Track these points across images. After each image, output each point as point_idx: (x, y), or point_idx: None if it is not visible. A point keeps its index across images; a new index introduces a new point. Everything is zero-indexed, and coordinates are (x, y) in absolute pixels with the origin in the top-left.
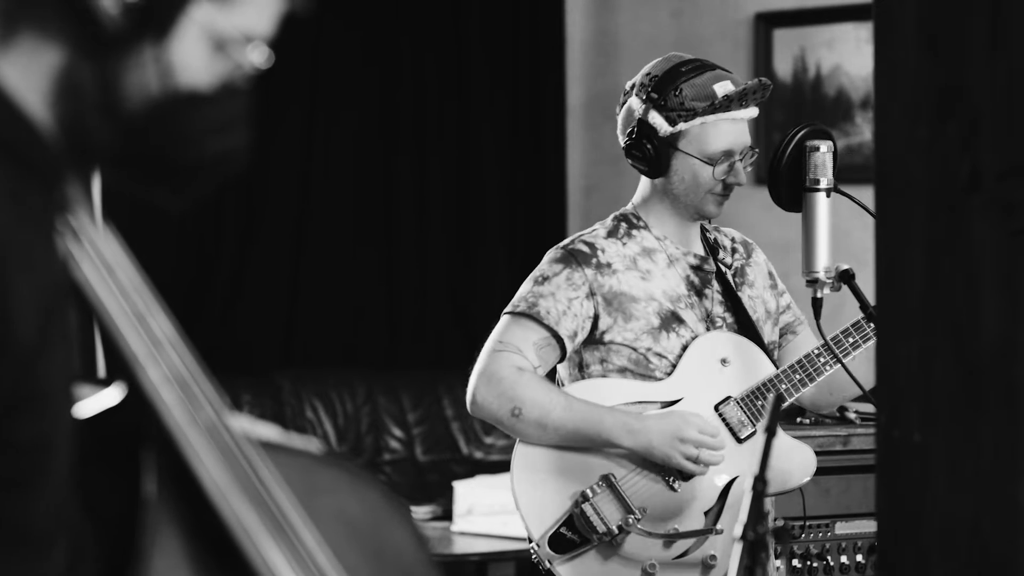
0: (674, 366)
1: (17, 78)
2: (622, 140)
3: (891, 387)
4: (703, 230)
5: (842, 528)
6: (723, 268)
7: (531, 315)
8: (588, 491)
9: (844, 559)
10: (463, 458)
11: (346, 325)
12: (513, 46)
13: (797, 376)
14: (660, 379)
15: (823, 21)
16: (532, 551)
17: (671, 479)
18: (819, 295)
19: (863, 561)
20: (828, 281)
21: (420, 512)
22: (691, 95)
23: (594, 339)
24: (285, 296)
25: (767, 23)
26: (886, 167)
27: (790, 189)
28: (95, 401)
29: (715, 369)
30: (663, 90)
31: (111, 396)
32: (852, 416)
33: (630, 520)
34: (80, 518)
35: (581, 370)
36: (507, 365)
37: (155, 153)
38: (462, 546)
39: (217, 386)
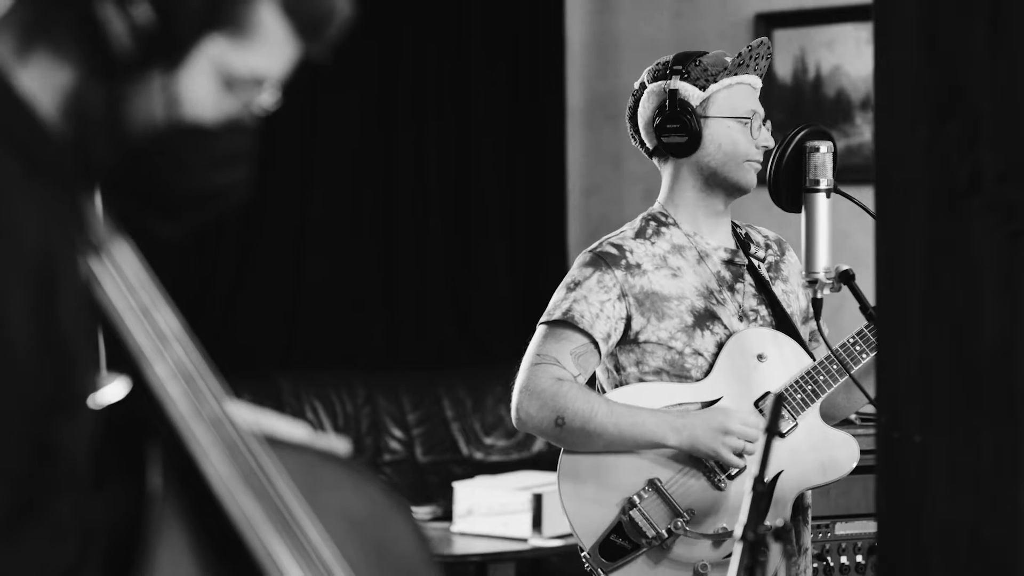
0: (711, 365)
1: (35, 88)
2: (650, 128)
3: (891, 388)
4: (734, 225)
5: (842, 528)
6: (755, 261)
7: (566, 321)
8: (635, 497)
9: (844, 559)
10: (463, 459)
11: (347, 326)
12: (513, 47)
13: (835, 367)
14: (698, 379)
15: (823, 22)
16: (584, 560)
17: (717, 479)
18: (819, 296)
19: (863, 561)
20: (828, 282)
21: (420, 513)
22: (710, 63)
23: (628, 340)
24: (285, 297)
25: (767, 24)
26: (886, 167)
27: (790, 190)
28: (101, 396)
29: (752, 366)
30: (683, 64)
31: (117, 390)
32: (852, 417)
33: (679, 523)
34: (92, 510)
35: (618, 372)
36: (546, 377)
37: (154, 180)
38: (462, 547)
39: (222, 381)
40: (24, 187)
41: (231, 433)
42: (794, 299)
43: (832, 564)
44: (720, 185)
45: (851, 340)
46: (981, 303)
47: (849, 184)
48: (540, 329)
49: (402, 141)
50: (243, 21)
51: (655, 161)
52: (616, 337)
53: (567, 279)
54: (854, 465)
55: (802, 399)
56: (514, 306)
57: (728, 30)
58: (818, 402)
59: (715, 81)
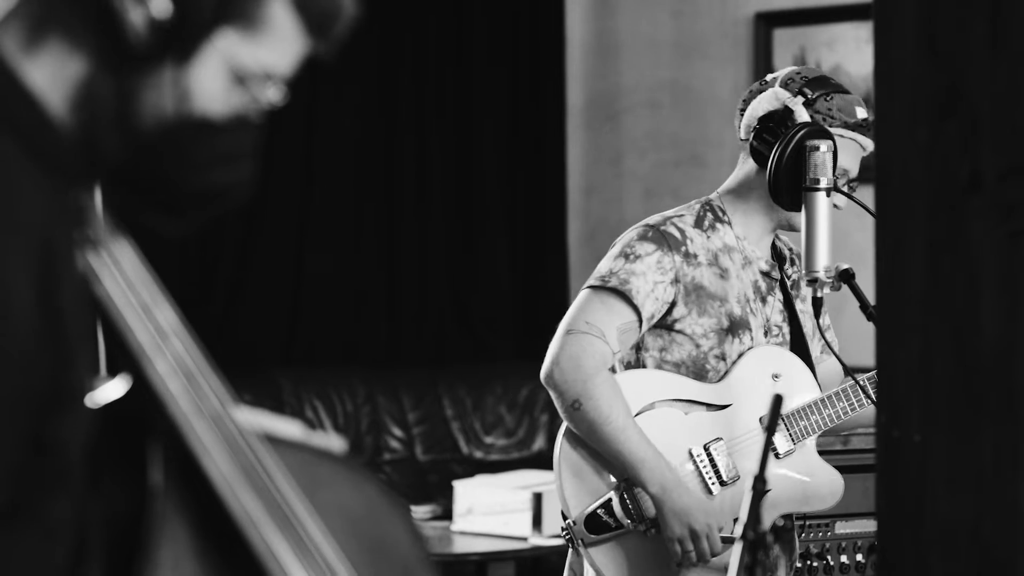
0: (727, 372)
1: (44, 81)
2: (752, 123)
3: (891, 387)
4: (774, 239)
5: (842, 528)
6: (786, 278)
7: (622, 292)
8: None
9: (844, 559)
10: (463, 458)
11: (347, 325)
12: (513, 46)
13: (840, 405)
14: (713, 382)
15: (823, 21)
16: (564, 528)
17: (710, 482)
18: (819, 295)
19: (863, 561)
20: (828, 281)
21: (420, 512)
22: (839, 105)
23: (664, 324)
24: (286, 296)
25: (767, 23)
26: (886, 167)
27: (790, 188)
28: (101, 393)
29: (766, 383)
30: (814, 90)
31: (116, 388)
32: None
33: None
34: (91, 508)
35: (637, 351)
36: (593, 354)
37: (160, 174)
38: (462, 546)
39: (222, 378)
40: (30, 177)
41: (232, 430)
42: (808, 319)
43: (832, 563)
44: (777, 211)
45: (863, 381)
46: (981, 303)
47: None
48: (588, 292)
49: (403, 139)
50: (254, 15)
51: (741, 151)
52: (656, 319)
53: (623, 248)
54: (835, 502)
55: (805, 427)
56: (514, 305)
57: (728, 29)
58: (818, 434)
59: (831, 126)
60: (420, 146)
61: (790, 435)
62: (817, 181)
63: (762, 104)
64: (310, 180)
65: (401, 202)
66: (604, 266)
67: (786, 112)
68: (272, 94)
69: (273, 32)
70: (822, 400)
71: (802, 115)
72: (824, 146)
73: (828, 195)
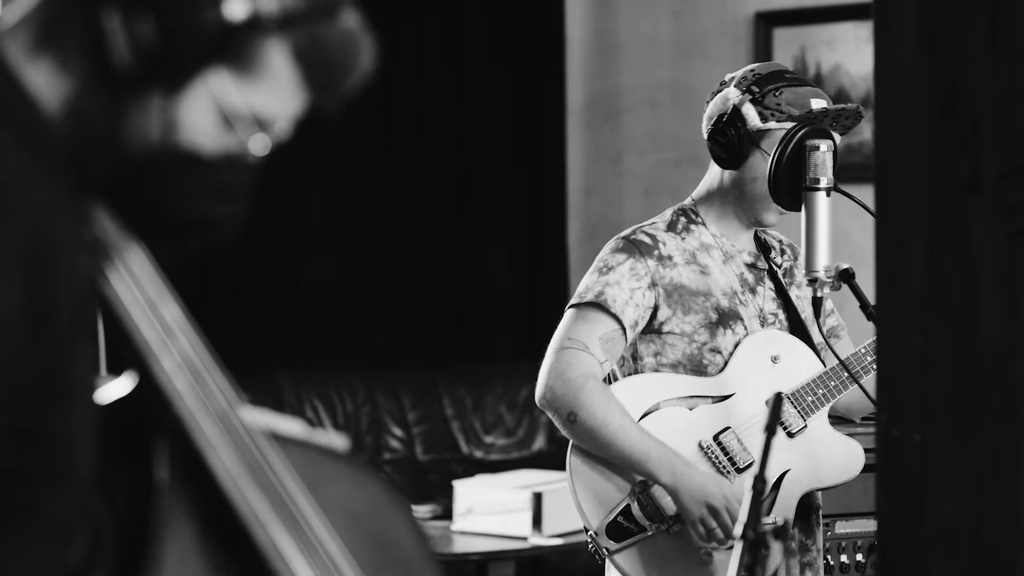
0: (726, 363)
1: (43, 86)
2: (708, 126)
3: (891, 387)
4: (756, 231)
5: (842, 527)
6: (774, 267)
7: (598, 303)
8: (646, 481)
9: (844, 558)
10: (463, 457)
11: (346, 325)
12: (513, 46)
13: (845, 374)
14: (713, 375)
15: (823, 20)
16: (588, 540)
17: (726, 471)
18: (819, 294)
19: (863, 560)
20: (828, 280)
21: (420, 511)
22: (788, 99)
23: (652, 329)
24: (285, 295)
25: (767, 22)
26: (886, 167)
27: (790, 188)
28: (107, 390)
29: (766, 366)
30: (763, 86)
31: (122, 386)
32: None
33: None
34: (100, 508)
35: (634, 361)
36: (577, 366)
37: (144, 201)
38: (462, 545)
39: (228, 375)
40: (26, 172)
41: (237, 427)
42: (806, 304)
43: (832, 563)
44: (745, 211)
45: (863, 350)
46: (981, 303)
47: (849, 183)
48: (570, 312)
49: (403, 140)
50: (249, 58)
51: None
52: (642, 325)
53: (598, 263)
54: (858, 471)
55: (813, 402)
56: (514, 305)
57: (728, 28)
58: (828, 406)
59: (779, 120)
60: (419, 146)
61: (799, 411)
62: (817, 181)
63: (716, 105)
64: (311, 179)
65: (400, 203)
66: (582, 284)
67: (735, 112)
68: (261, 141)
69: (269, 79)
70: (826, 373)
71: (749, 112)
72: (824, 146)
73: (828, 195)
